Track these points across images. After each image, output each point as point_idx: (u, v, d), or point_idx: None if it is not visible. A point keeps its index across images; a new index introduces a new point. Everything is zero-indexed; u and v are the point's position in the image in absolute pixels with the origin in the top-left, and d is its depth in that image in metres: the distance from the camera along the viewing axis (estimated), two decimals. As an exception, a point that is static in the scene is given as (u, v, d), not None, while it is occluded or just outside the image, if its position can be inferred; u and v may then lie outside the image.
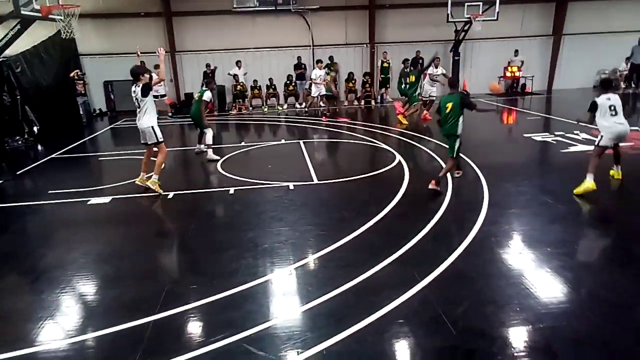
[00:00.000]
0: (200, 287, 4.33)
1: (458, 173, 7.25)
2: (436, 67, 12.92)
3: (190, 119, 10.19)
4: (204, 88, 9.75)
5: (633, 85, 17.16)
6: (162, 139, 7.19)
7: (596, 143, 6.57)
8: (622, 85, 17.58)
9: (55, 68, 13.77)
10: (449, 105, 6.51)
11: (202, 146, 9.63)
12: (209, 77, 16.13)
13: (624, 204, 6.20)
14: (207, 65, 16.41)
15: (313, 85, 14.53)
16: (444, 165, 8.06)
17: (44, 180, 8.61)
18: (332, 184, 7.49)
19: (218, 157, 9.09)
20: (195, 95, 10.27)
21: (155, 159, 7.28)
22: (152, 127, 7.04)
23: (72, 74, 14.47)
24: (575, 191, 6.34)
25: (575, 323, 3.55)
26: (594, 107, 6.50)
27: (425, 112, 13.04)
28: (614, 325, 3.54)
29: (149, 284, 4.45)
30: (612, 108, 6.37)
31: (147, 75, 6.92)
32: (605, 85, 6.69)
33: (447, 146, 6.81)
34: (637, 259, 4.64)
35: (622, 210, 6.01)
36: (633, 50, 16.26)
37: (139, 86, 6.82)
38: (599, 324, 3.56)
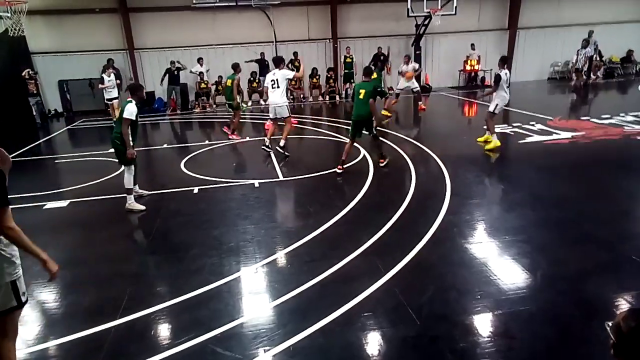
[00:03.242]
0: (164, 289, 4.26)
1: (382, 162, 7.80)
2: (407, 64, 13.33)
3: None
4: (128, 99, 6.36)
5: (584, 77, 17.89)
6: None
7: (492, 110, 8.69)
8: (574, 77, 18.28)
9: (4, 67, 13.11)
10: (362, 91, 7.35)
11: (138, 189, 7.00)
12: (173, 74, 15.72)
13: (576, 190, 6.47)
14: (172, 63, 15.80)
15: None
16: (407, 158, 8.22)
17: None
18: (297, 180, 7.49)
19: (142, 208, 6.48)
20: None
21: None
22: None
23: (23, 74, 13.80)
24: (486, 147, 8.51)
25: (531, 305, 3.71)
26: (498, 79, 8.48)
27: (420, 103, 13.61)
28: (563, 298, 3.79)
29: (110, 288, 4.33)
30: (507, 81, 8.62)
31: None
32: (504, 61, 8.80)
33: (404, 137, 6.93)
34: (587, 236, 4.94)
35: (574, 195, 6.27)
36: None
37: None
38: (551, 300, 3.77)
